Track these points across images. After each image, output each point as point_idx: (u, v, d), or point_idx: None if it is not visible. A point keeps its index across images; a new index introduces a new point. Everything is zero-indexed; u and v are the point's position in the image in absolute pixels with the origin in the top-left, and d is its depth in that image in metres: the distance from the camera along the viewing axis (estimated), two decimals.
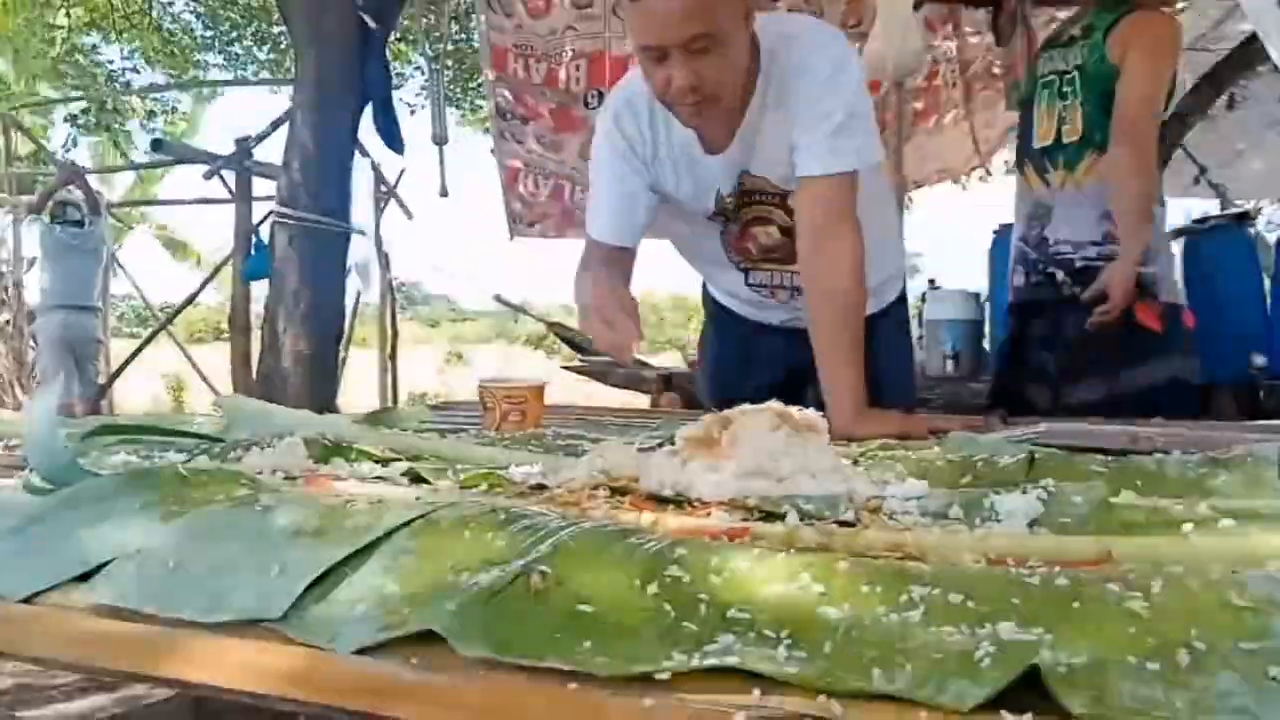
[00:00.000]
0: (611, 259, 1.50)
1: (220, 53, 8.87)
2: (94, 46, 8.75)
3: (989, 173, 8.02)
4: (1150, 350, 1.90)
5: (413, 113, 8.64)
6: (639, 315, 1.34)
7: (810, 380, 1.72)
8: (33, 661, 0.59)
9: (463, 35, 7.81)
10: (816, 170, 1.39)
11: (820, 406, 1.25)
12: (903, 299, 1.80)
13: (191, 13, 8.42)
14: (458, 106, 9.19)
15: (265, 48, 8.70)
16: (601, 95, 4.44)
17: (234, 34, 8.56)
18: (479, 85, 6.81)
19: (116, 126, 9.45)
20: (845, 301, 1.40)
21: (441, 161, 4.46)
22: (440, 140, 4.37)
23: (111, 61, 9.03)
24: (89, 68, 8.82)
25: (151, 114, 9.55)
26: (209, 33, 8.60)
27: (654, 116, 1.45)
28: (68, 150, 9.59)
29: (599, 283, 1.41)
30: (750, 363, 1.76)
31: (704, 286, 1.88)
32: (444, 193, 4.56)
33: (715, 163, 1.46)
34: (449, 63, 7.87)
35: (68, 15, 7.80)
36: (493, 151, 4.92)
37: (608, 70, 4.37)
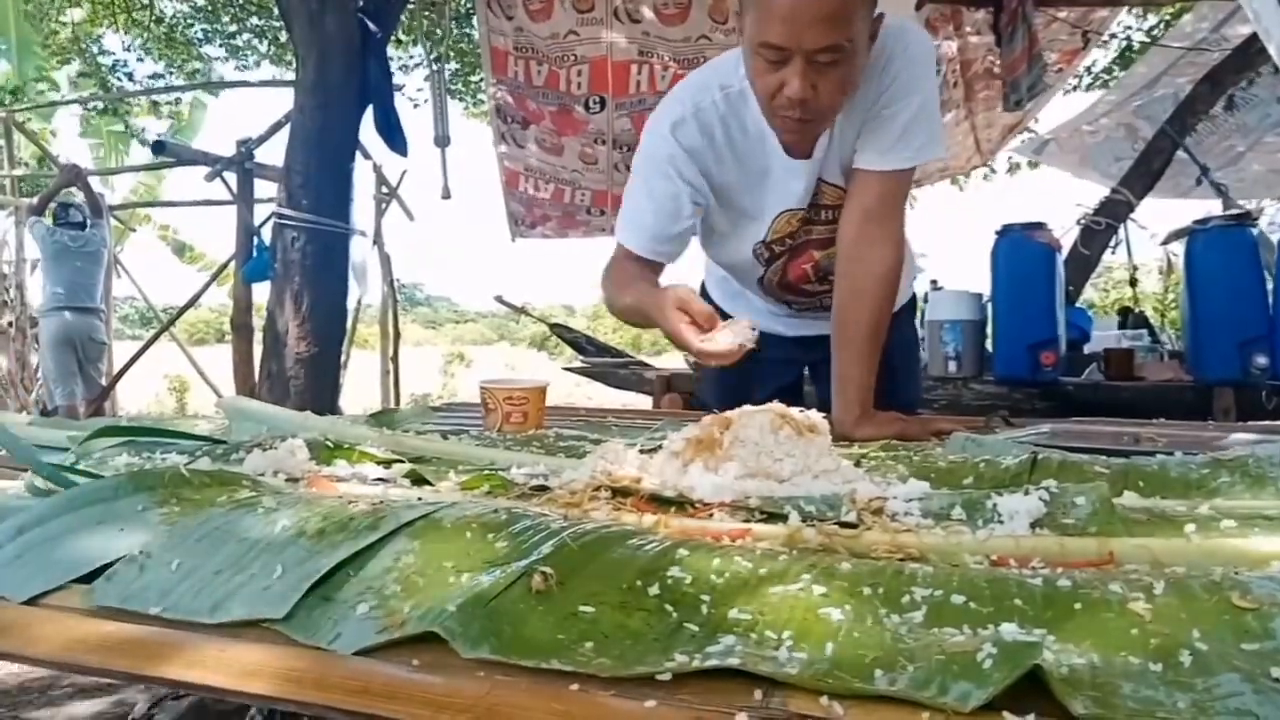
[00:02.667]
0: (642, 272, 1.41)
1: (221, 45, 8.87)
2: (99, 38, 8.76)
3: (993, 170, 8.04)
4: None
5: (416, 107, 8.52)
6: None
7: (814, 379, 1.71)
8: (36, 663, 0.59)
9: (465, 32, 7.78)
10: (876, 165, 1.35)
11: (820, 408, 1.24)
12: (913, 301, 1.78)
13: (192, 6, 8.41)
14: (460, 99, 9.12)
15: (266, 41, 8.70)
16: (603, 100, 4.45)
17: (235, 28, 8.57)
18: (482, 79, 6.81)
19: (122, 111, 9.45)
20: (875, 302, 1.37)
21: (444, 164, 4.46)
22: (442, 143, 4.37)
23: (113, 53, 9.06)
24: (94, 57, 8.83)
25: (155, 105, 9.56)
26: (210, 26, 8.60)
27: (729, 127, 1.36)
28: (82, 134, 9.61)
29: (657, 294, 1.28)
30: (759, 370, 1.72)
31: (702, 287, 1.84)
32: (446, 195, 4.56)
33: (797, 169, 1.37)
34: (451, 57, 7.85)
35: (70, 4, 7.82)
36: (495, 144, 4.93)
37: (609, 75, 4.38)
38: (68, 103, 9.37)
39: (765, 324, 1.69)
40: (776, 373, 1.67)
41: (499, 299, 6.05)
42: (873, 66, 1.29)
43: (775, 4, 1.14)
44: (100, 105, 9.27)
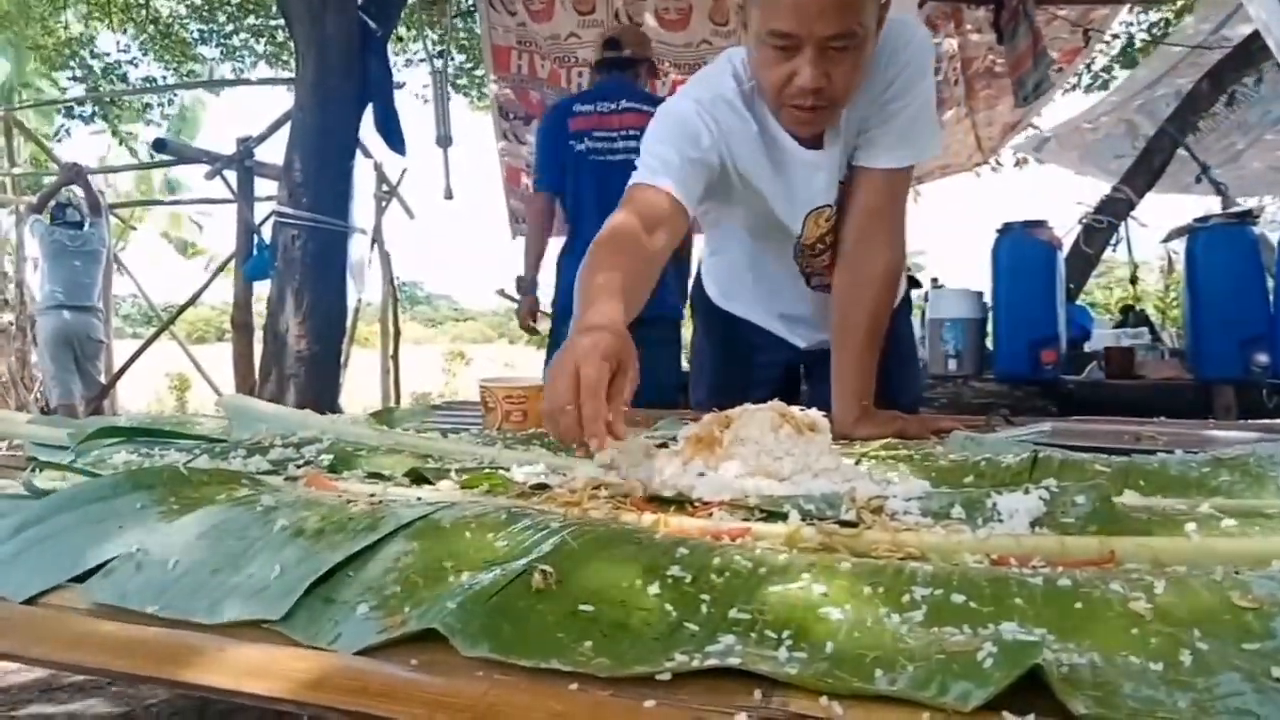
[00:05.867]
0: (655, 217, 1.22)
1: (218, 46, 8.84)
2: (91, 38, 8.72)
3: (999, 163, 8.02)
4: None
5: (425, 102, 8.39)
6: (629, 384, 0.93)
7: (809, 380, 1.70)
8: (34, 663, 0.59)
9: (470, 25, 7.73)
10: (882, 163, 1.33)
11: (818, 408, 1.23)
12: (906, 298, 1.77)
13: (188, 6, 8.38)
14: (466, 94, 9.06)
15: (263, 41, 8.68)
16: None
17: (231, 27, 8.55)
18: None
19: (113, 118, 9.45)
20: (875, 300, 1.37)
21: (446, 164, 4.43)
22: (444, 144, 4.34)
23: (108, 54, 9.03)
24: (87, 59, 8.81)
25: (148, 106, 9.54)
26: (206, 26, 8.58)
27: (748, 119, 1.31)
28: (59, 140, 9.59)
29: (600, 310, 1.02)
30: (753, 373, 1.68)
31: (699, 290, 1.81)
32: (449, 196, 4.53)
33: (816, 162, 1.33)
34: (460, 48, 7.81)
35: (64, 7, 7.81)
36: (496, 141, 4.91)
37: None
38: (64, 102, 9.36)
39: (768, 326, 1.69)
40: (772, 375, 1.66)
41: (500, 292, 6.01)
42: (876, 59, 1.27)
43: None
44: (89, 112, 9.25)
